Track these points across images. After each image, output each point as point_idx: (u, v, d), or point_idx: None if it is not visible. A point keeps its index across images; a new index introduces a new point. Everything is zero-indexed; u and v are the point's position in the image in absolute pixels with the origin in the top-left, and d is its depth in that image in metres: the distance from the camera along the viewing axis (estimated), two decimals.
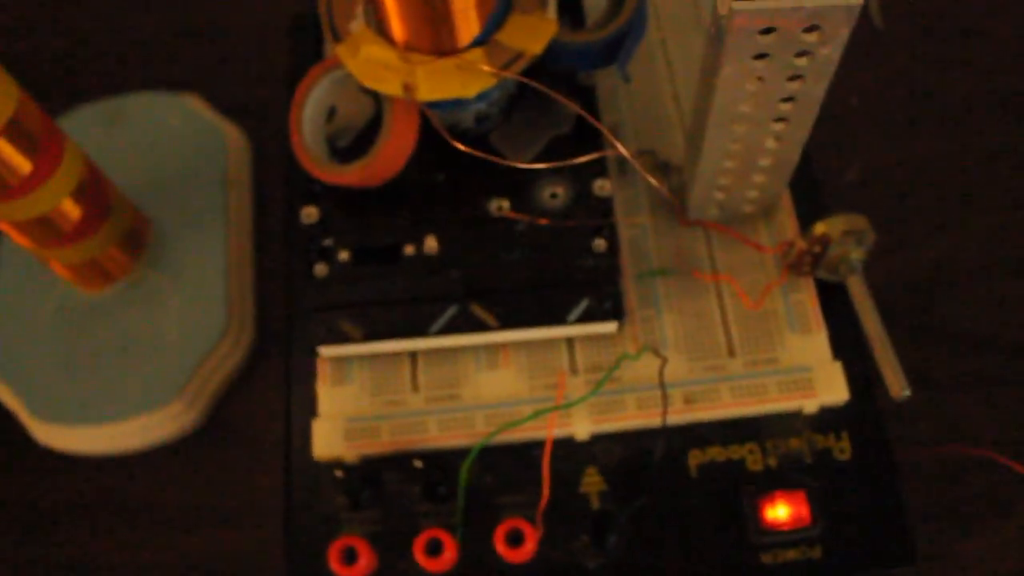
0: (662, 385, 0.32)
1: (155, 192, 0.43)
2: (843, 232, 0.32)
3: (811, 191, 0.36)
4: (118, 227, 0.40)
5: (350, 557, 0.30)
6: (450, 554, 0.30)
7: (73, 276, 0.41)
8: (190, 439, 0.40)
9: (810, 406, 0.32)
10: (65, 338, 0.40)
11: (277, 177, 0.44)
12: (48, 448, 0.40)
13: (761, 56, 0.27)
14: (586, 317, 0.32)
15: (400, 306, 0.33)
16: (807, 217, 0.35)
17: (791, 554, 0.31)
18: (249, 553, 0.38)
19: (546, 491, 0.31)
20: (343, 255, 0.33)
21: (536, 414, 0.31)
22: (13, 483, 0.40)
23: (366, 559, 0.30)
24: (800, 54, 0.27)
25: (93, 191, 0.39)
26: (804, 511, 0.31)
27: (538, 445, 0.32)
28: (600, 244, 0.32)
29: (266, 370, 0.41)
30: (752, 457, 0.32)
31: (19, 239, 0.38)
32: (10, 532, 0.39)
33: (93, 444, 0.39)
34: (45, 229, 0.38)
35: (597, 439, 0.32)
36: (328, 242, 0.33)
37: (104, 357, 0.40)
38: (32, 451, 0.40)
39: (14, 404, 0.40)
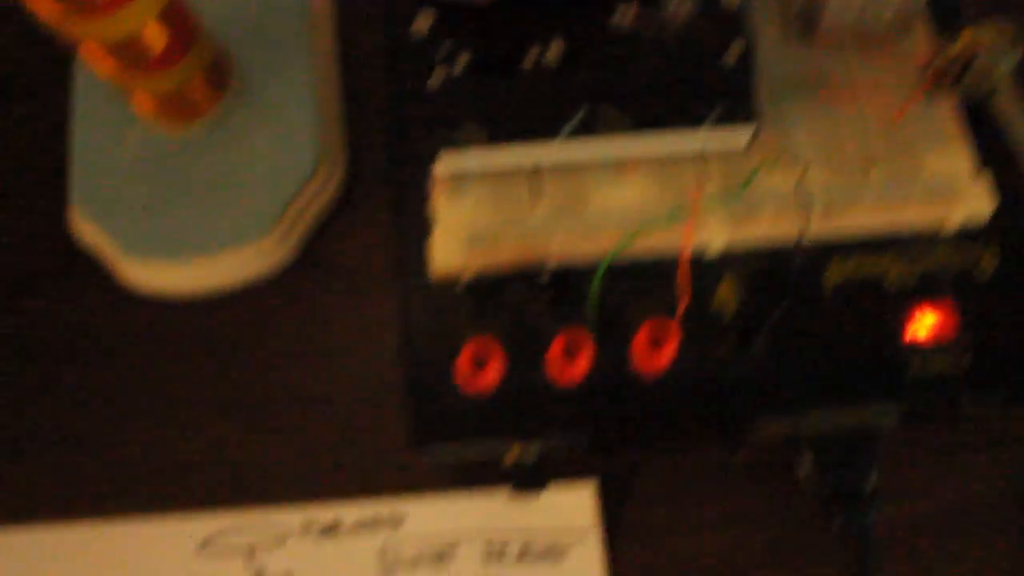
0: (801, 193, 0.30)
1: (235, 24, 0.41)
2: (992, 41, 0.30)
3: (949, 7, 0.34)
4: (202, 57, 0.38)
5: (478, 363, 0.29)
6: (586, 358, 0.29)
7: (157, 110, 0.39)
8: (284, 276, 0.38)
9: (953, 220, 0.31)
10: (150, 176, 0.39)
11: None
12: (138, 288, 0.39)
13: None
14: (721, 121, 0.30)
15: (522, 114, 0.31)
16: (945, 34, 0.33)
17: (935, 368, 0.30)
18: (358, 382, 0.37)
19: (685, 296, 0.29)
20: (459, 64, 0.31)
21: (673, 215, 0.30)
22: (104, 327, 0.39)
23: (495, 366, 0.29)
24: None
25: (178, 16, 0.37)
26: (948, 325, 0.30)
27: (669, 261, 0.31)
28: (734, 51, 0.31)
29: (359, 205, 0.39)
30: (893, 271, 0.31)
31: (105, 64, 0.36)
32: (106, 375, 0.38)
33: (184, 281, 0.38)
34: (132, 52, 0.36)
35: (731, 253, 0.31)
36: (442, 52, 0.32)
37: (192, 193, 0.38)
38: (122, 294, 0.39)
39: (102, 242, 0.38)
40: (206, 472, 0.37)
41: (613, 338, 0.30)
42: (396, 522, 0.35)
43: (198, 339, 0.38)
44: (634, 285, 0.31)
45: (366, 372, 0.37)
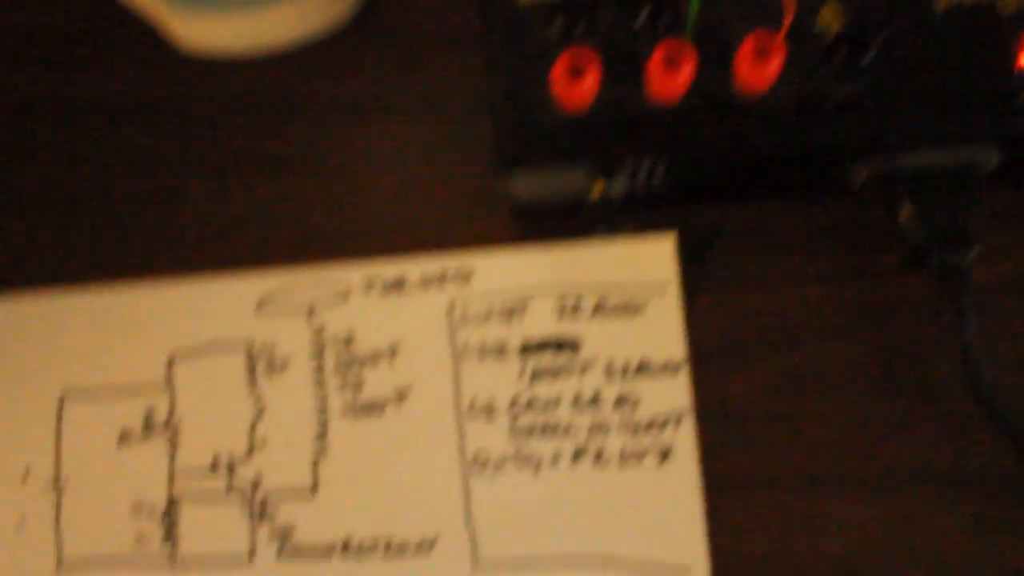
0: None
1: None
2: None
3: None
4: None
5: (574, 72, 0.28)
6: (688, 71, 0.27)
7: None
8: (343, 34, 0.37)
9: None
10: None
11: None
12: (188, 47, 0.37)
13: None
14: None
15: None
16: None
17: None
18: (420, 140, 0.35)
19: (790, 9, 0.28)
20: None
21: None
22: (155, 88, 0.37)
23: (592, 76, 0.28)
24: None
25: None
26: None
27: None
28: None
29: None
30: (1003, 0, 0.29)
31: None
32: (159, 136, 0.36)
33: (236, 37, 0.36)
34: None
35: None
36: None
37: None
38: (172, 54, 0.37)
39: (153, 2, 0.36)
40: (264, 230, 0.35)
41: (715, 52, 0.28)
42: (464, 277, 0.34)
43: (253, 98, 0.37)
44: (733, 10, 0.29)
45: (428, 130, 0.35)
